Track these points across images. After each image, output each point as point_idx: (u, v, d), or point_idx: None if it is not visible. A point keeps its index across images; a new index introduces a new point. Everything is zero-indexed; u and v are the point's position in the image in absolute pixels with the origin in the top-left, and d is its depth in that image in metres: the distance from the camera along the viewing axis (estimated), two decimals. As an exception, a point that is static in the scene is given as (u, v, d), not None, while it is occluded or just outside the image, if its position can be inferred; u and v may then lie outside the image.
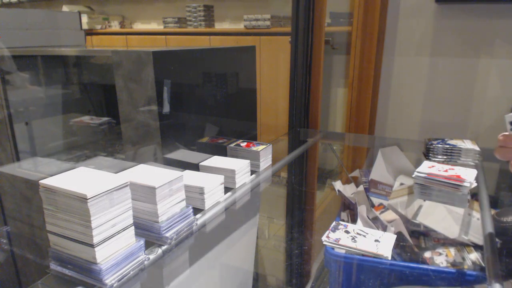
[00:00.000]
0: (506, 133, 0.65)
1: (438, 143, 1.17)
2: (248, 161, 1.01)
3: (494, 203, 0.99)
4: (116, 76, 0.94)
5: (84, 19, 3.61)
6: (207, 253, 0.84)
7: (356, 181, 1.19)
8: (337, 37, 2.23)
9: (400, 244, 0.84)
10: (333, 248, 0.80)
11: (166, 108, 0.93)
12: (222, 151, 1.09)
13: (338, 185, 1.14)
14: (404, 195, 1.03)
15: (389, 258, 0.73)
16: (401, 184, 1.09)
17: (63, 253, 0.60)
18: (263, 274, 1.16)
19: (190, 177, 0.87)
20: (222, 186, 0.89)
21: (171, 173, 0.71)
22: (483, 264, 0.81)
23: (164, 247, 0.69)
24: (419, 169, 0.98)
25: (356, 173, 1.23)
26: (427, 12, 1.78)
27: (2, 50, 1.23)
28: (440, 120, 1.87)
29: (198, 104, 1.07)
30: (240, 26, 3.19)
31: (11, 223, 1.24)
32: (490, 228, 0.80)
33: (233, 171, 0.95)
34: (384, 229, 0.89)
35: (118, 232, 0.60)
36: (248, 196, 0.98)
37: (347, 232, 0.81)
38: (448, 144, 1.16)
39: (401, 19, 1.84)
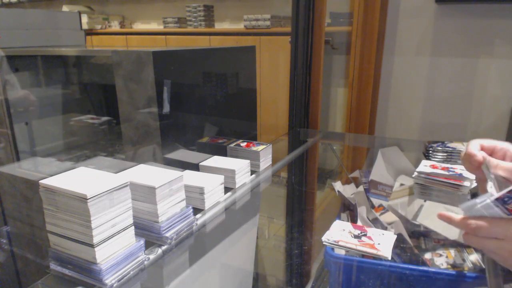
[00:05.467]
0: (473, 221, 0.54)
1: (438, 146, 1.17)
2: (248, 161, 1.01)
3: (494, 203, 0.99)
4: (116, 76, 0.94)
5: (84, 19, 3.61)
6: (207, 253, 0.84)
7: (356, 182, 1.19)
8: (337, 37, 2.23)
9: (400, 246, 0.84)
10: (333, 249, 0.80)
11: (166, 108, 0.93)
12: (222, 151, 1.09)
13: (338, 185, 1.14)
14: (404, 196, 1.03)
15: (389, 258, 0.73)
16: (401, 184, 1.09)
17: (63, 253, 0.60)
18: (263, 274, 1.16)
19: (190, 177, 0.87)
20: (222, 186, 0.89)
21: (171, 173, 0.71)
22: (483, 266, 0.81)
23: (164, 247, 0.69)
24: (419, 168, 0.98)
25: (356, 173, 1.23)
26: (427, 12, 1.79)
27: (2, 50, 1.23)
28: (440, 120, 1.88)
29: (198, 104, 1.07)
30: (240, 26, 3.19)
31: (11, 223, 1.24)
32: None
33: (233, 171, 0.95)
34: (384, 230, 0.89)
35: (118, 232, 0.60)
36: (248, 196, 0.98)
37: (347, 232, 0.81)
38: (448, 147, 1.16)
39: (401, 19, 1.85)
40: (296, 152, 1.38)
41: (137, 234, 0.64)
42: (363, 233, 0.80)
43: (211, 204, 0.86)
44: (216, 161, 1.00)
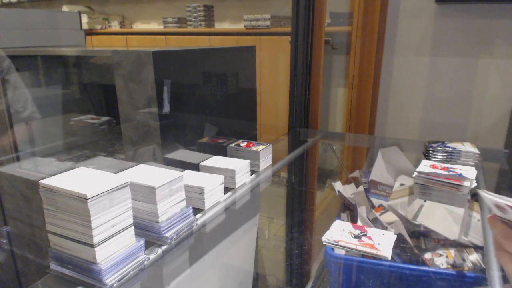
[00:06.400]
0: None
1: (438, 146, 1.17)
2: (248, 161, 1.01)
3: (494, 203, 0.99)
4: (116, 76, 0.94)
5: (84, 19, 3.61)
6: (207, 253, 0.84)
7: (356, 182, 1.19)
8: (337, 37, 2.23)
9: (400, 246, 0.84)
10: (333, 249, 0.80)
11: (166, 108, 0.93)
12: (222, 151, 1.09)
13: (338, 185, 1.14)
14: (404, 196, 1.03)
15: (389, 258, 0.73)
16: (401, 184, 1.09)
17: (63, 253, 0.60)
18: (263, 274, 1.16)
19: (190, 177, 0.87)
20: (222, 186, 0.89)
21: (171, 173, 0.71)
22: (483, 266, 0.81)
23: (164, 247, 0.69)
24: (419, 168, 0.98)
25: (356, 173, 1.23)
26: (427, 12, 1.78)
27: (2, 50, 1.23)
28: (440, 120, 1.87)
29: (198, 104, 1.07)
30: (240, 26, 3.19)
31: (11, 223, 1.24)
32: (490, 229, 0.80)
33: (233, 171, 0.95)
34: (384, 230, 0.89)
35: (118, 232, 0.60)
36: (248, 196, 0.98)
37: (347, 232, 0.81)
38: (448, 147, 1.16)
39: (401, 19, 1.84)
40: (296, 152, 1.38)
41: (137, 234, 0.64)
42: (363, 233, 0.80)
43: (211, 204, 0.86)
44: (216, 161, 1.00)
